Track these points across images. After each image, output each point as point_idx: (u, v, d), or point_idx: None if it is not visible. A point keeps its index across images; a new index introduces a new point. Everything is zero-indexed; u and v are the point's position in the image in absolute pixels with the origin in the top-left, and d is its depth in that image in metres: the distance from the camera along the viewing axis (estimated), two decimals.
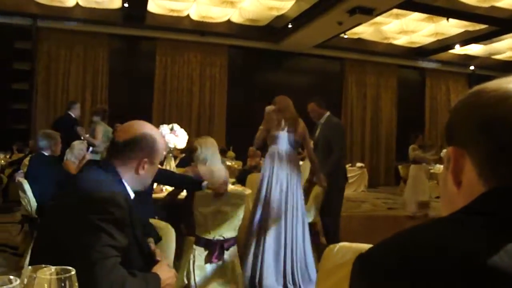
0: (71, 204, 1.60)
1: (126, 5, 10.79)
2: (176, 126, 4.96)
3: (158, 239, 2.09)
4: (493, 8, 10.72)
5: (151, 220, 2.31)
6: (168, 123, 5.29)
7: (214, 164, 3.79)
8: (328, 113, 5.49)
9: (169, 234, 2.20)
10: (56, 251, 1.46)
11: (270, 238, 4.21)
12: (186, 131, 5.14)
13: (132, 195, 1.78)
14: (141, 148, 1.77)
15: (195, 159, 3.85)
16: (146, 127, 1.83)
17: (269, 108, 4.50)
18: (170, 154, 4.93)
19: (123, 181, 1.76)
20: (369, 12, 10.14)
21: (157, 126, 5.58)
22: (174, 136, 4.84)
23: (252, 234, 4.27)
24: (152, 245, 1.94)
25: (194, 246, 3.70)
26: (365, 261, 0.67)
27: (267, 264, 4.15)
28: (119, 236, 1.52)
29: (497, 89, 0.70)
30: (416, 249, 0.62)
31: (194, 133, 11.94)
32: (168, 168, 4.92)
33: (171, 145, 4.82)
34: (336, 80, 14.64)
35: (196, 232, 3.72)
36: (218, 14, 11.80)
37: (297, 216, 4.32)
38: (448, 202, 0.76)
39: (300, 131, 4.47)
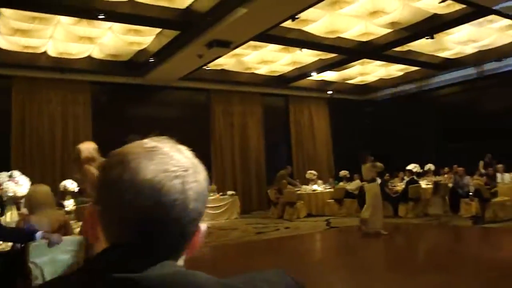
0: None
1: None
2: (16, 173, 4.73)
3: None
4: (340, 39, 11.72)
5: None
6: (30, 165, 5.02)
7: (46, 211, 3.66)
8: None
9: None
10: None
11: None
12: (49, 173, 4.88)
13: None
14: None
15: (26, 207, 3.70)
16: None
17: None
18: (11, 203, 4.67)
19: None
20: (226, 45, 10.55)
21: (15, 169, 5.27)
22: (13, 184, 4.60)
23: None
24: None
25: None
26: None
27: None
28: None
29: (119, 153, 0.77)
30: None
31: (58, 175, 11.38)
32: (9, 216, 4.66)
33: (10, 193, 4.58)
34: (203, 111, 14.88)
35: (33, 285, 3.55)
36: (77, 50, 11.48)
37: None
38: None
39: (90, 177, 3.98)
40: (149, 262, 0.71)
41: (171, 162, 0.76)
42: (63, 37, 10.72)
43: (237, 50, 11.75)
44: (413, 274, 6.05)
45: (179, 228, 0.74)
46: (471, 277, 5.51)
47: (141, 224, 0.72)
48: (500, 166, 11.54)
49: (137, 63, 12.57)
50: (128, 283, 0.67)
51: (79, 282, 0.70)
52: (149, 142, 0.79)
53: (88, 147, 4.10)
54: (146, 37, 11.01)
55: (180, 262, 0.78)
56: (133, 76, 13.16)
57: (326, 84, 16.53)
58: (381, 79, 16.48)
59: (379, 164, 9.23)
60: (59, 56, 11.74)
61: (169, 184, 0.73)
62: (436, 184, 12.10)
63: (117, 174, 0.74)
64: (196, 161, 0.80)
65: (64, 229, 3.63)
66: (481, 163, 12.49)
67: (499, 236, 9.06)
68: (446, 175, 13.19)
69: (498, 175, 11.38)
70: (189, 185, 0.75)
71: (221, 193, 13.11)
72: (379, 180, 12.59)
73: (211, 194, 12.84)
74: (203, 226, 0.81)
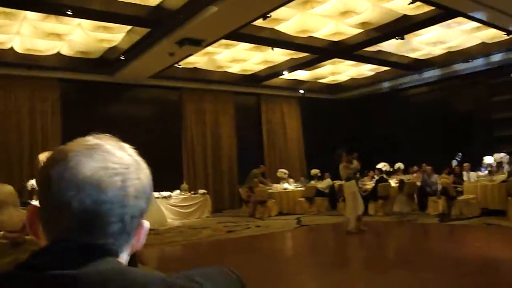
0: None
1: None
2: None
3: None
4: (311, 38, 11.80)
5: None
6: None
7: (9, 211, 3.58)
8: None
9: None
10: None
11: None
12: (17, 173, 4.77)
13: None
14: None
15: None
16: None
17: None
18: None
19: None
20: (197, 43, 10.51)
21: None
22: None
23: None
24: None
25: None
26: None
27: None
28: None
29: (61, 151, 0.77)
30: None
31: (27, 175, 11.13)
32: None
33: None
34: (175, 109, 14.79)
35: None
36: (45, 46, 11.26)
37: None
38: None
39: None
40: (89, 259, 0.71)
41: (113, 159, 0.75)
42: (31, 33, 10.51)
43: (209, 49, 11.72)
44: (383, 271, 6.14)
45: (120, 225, 0.75)
46: (439, 273, 5.62)
47: (81, 221, 0.72)
48: (466, 164, 11.79)
49: (108, 60, 12.41)
50: (66, 280, 0.67)
51: (16, 279, 0.69)
52: (91, 140, 0.78)
53: (47, 156, 4.11)
54: (116, 34, 10.86)
55: (123, 258, 0.78)
56: (103, 74, 12.97)
57: (297, 83, 16.64)
58: (352, 79, 16.66)
59: (355, 162, 9.28)
60: (26, 53, 11.49)
61: (109, 181, 0.73)
62: (401, 182, 12.32)
63: (57, 172, 0.74)
64: (139, 159, 0.80)
65: (24, 229, 3.55)
66: (453, 161, 12.78)
67: (464, 233, 9.27)
68: (414, 174, 13.41)
69: (464, 173, 11.63)
70: (130, 182, 0.75)
71: (192, 192, 13.05)
72: None
73: (183, 193, 12.79)
74: (145, 223, 0.81)
